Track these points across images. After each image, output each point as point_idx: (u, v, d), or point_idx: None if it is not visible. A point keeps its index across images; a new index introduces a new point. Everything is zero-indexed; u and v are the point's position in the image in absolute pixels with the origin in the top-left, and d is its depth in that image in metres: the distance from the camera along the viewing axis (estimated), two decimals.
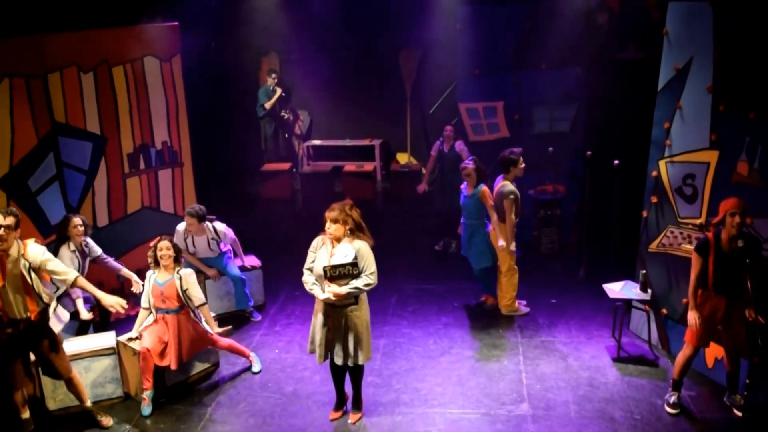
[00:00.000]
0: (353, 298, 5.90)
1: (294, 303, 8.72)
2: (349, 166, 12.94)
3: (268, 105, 12.93)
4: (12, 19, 8.02)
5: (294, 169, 13.10)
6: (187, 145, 9.31)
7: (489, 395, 6.69)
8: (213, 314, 7.30)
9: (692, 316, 6.12)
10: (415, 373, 7.12)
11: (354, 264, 5.79)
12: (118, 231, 8.58)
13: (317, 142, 13.65)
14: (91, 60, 8.16)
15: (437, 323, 8.14)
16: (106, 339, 6.83)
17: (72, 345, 6.68)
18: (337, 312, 5.92)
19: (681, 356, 6.30)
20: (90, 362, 6.61)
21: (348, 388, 6.46)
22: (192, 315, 6.79)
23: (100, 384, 6.67)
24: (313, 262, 5.97)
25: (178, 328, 6.65)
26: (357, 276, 5.83)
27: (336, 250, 5.87)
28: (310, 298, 6.09)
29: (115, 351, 6.73)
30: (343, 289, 5.78)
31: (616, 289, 7.31)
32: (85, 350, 6.63)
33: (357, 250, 5.83)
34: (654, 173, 7.23)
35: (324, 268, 5.79)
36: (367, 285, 5.84)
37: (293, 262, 7.21)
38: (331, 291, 5.78)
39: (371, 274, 5.84)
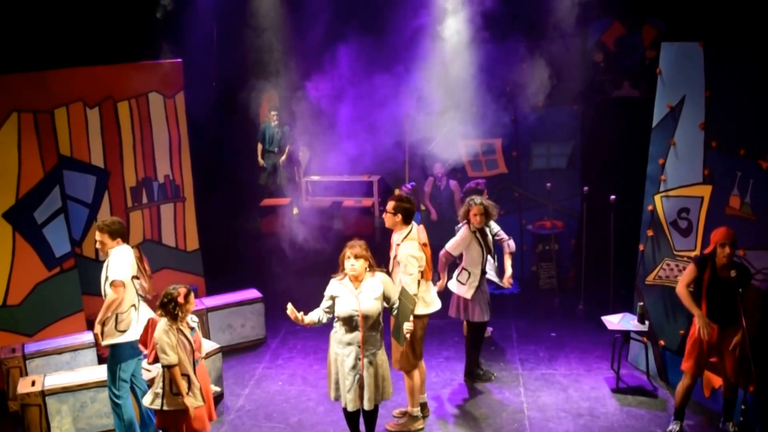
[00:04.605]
0: (381, 335, 5.91)
1: (295, 337, 8.76)
2: (348, 202, 13.07)
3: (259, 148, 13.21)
4: (21, 55, 8.21)
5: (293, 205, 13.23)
6: (189, 180, 9.42)
7: (491, 425, 6.76)
8: (216, 346, 7.39)
9: (697, 322, 6.14)
10: None
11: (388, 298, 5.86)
12: None
13: (316, 178, 13.78)
14: (97, 95, 8.32)
15: (439, 357, 8.21)
16: None
17: (79, 375, 6.74)
18: (369, 352, 5.80)
19: (680, 386, 6.41)
20: (96, 392, 6.63)
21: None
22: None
23: (106, 414, 6.66)
24: (330, 306, 5.86)
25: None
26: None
27: (362, 288, 5.78)
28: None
29: None
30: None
31: (614, 321, 7.42)
32: (91, 380, 6.65)
33: (383, 282, 5.84)
34: (650, 207, 7.40)
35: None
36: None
37: (294, 296, 7.27)
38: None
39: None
